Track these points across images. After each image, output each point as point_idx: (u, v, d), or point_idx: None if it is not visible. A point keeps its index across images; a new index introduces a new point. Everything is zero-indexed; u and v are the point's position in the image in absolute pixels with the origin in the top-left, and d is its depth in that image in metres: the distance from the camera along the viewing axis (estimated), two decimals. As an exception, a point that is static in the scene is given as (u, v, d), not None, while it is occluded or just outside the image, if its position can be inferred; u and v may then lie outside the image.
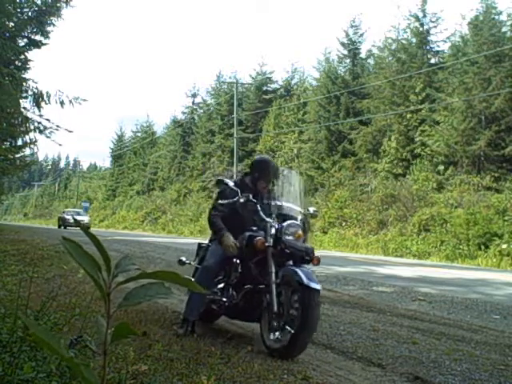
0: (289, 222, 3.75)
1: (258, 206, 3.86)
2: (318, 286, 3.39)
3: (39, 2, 12.45)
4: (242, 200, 3.83)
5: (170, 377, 2.65)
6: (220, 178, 4.27)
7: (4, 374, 2.00)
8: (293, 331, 3.37)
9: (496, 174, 18.82)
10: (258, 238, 3.65)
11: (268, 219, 3.77)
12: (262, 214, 3.83)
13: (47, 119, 12.34)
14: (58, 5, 12.42)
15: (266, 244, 3.64)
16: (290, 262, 3.64)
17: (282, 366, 3.16)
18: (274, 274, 3.55)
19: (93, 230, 31.33)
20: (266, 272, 3.66)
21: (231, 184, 4.13)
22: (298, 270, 3.47)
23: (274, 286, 3.50)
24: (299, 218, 3.96)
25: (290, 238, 3.69)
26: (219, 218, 4.03)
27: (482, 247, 15.18)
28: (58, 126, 12.29)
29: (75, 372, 0.46)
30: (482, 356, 3.74)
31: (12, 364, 2.06)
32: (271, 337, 3.53)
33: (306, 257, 3.66)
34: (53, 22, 12.66)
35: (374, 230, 20.11)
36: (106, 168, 68.57)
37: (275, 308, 3.46)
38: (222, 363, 3.02)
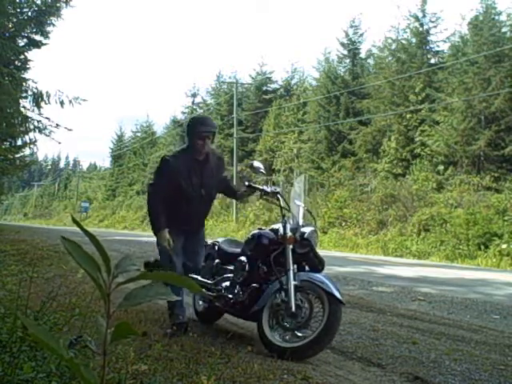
0: (311, 227, 3.82)
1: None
2: (343, 299, 3.45)
3: (39, 2, 12.45)
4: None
5: (170, 377, 2.65)
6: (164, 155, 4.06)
7: (4, 374, 2.00)
8: (308, 336, 3.40)
9: (496, 174, 18.81)
10: (289, 234, 3.66)
11: (286, 215, 3.80)
12: (283, 204, 3.89)
13: (47, 118, 12.34)
14: (58, 5, 12.42)
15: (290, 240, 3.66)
16: (306, 268, 3.73)
17: (281, 366, 3.16)
18: (292, 273, 3.53)
19: (92, 230, 31.34)
20: (273, 271, 3.67)
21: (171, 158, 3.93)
22: (325, 278, 3.50)
23: (292, 286, 3.49)
24: (314, 224, 4.05)
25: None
26: (158, 201, 3.84)
27: (482, 247, 15.17)
28: (57, 125, 12.29)
29: (75, 372, 0.46)
30: (482, 356, 3.74)
31: (12, 364, 2.06)
32: (277, 336, 3.54)
33: (319, 266, 3.74)
34: (53, 22, 12.66)
35: (374, 230, 20.10)
36: (105, 168, 68.55)
37: (293, 308, 3.45)
38: (222, 363, 3.02)
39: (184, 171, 3.80)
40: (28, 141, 13.75)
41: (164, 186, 3.83)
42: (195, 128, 3.80)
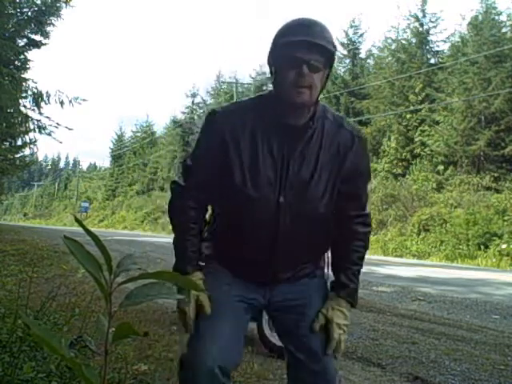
0: None
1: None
2: None
3: (39, 2, 12.45)
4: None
5: (170, 377, 2.65)
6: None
7: (4, 374, 2.00)
8: None
9: (496, 174, 18.83)
10: None
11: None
12: None
13: (47, 117, 12.34)
14: (58, 5, 12.41)
15: None
16: None
17: (281, 365, 3.16)
18: None
19: (92, 230, 31.35)
20: None
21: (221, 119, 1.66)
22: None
23: None
24: None
25: None
26: (187, 211, 1.67)
27: (482, 247, 15.18)
28: (58, 124, 12.28)
29: (76, 372, 0.46)
30: (482, 356, 3.74)
31: (12, 364, 2.06)
32: (277, 336, 3.53)
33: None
34: (52, 22, 12.65)
35: (374, 230, 20.10)
36: (105, 168, 68.58)
37: None
38: (222, 363, 3.02)
39: (244, 145, 1.62)
40: (28, 141, 13.73)
41: (202, 177, 1.66)
42: (280, 40, 1.56)
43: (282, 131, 1.61)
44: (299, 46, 1.50)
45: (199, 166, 1.67)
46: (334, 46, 1.54)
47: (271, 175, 1.61)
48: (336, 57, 1.58)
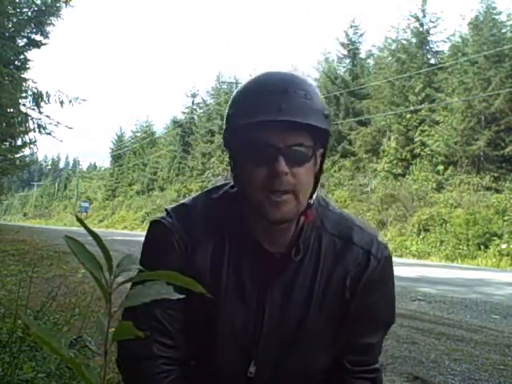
0: None
1: None
2: None
3: (39, 2, 12.46)
4: None
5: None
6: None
7: (4, 374, 2.00)
8: None
9: (495, 174, 18.85)
10: None
11: None
12: None
13: (47, 116, 12.35)
14: (58, 5, 12.42)
15: None
16: None
17: None
18: None
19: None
20: None
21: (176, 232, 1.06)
22: None
23: None
24: None
25: None
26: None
27: (482, 247, 15.20)
28: (58, 123, 12.28)
29: (76, 372, 0.46)
30: (482, 356, 3.74)
31: (12, 364, 2.06)
32: None
33: None
34: (52, 22, 12.66)
35: (374, 230, 20.13)
36: (105, 168, 68.65)
37: None
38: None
39: (205, 273, 1.05)
40: (28, 141, 13.74)
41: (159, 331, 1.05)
42: (236, 118, 1.00)
43: (255, 259, 1.05)
44: (268, 128, 0.94)
45: (145, 323, 1.01)
46: (327, 117, 0.98)
47: (238, 327, 1.05)
48: (330, 128, 1.01)
